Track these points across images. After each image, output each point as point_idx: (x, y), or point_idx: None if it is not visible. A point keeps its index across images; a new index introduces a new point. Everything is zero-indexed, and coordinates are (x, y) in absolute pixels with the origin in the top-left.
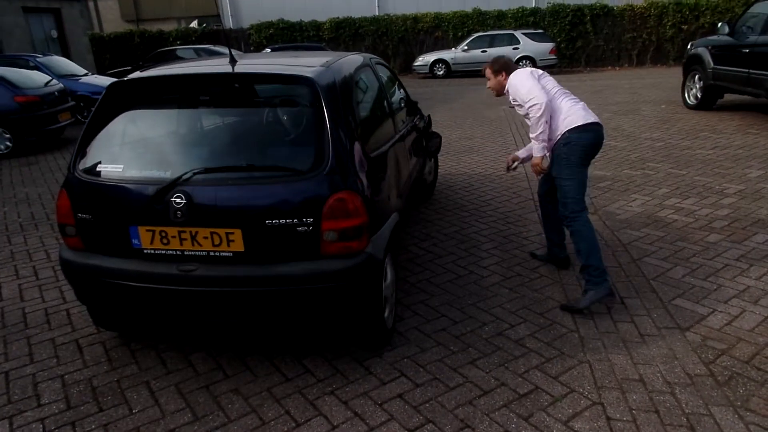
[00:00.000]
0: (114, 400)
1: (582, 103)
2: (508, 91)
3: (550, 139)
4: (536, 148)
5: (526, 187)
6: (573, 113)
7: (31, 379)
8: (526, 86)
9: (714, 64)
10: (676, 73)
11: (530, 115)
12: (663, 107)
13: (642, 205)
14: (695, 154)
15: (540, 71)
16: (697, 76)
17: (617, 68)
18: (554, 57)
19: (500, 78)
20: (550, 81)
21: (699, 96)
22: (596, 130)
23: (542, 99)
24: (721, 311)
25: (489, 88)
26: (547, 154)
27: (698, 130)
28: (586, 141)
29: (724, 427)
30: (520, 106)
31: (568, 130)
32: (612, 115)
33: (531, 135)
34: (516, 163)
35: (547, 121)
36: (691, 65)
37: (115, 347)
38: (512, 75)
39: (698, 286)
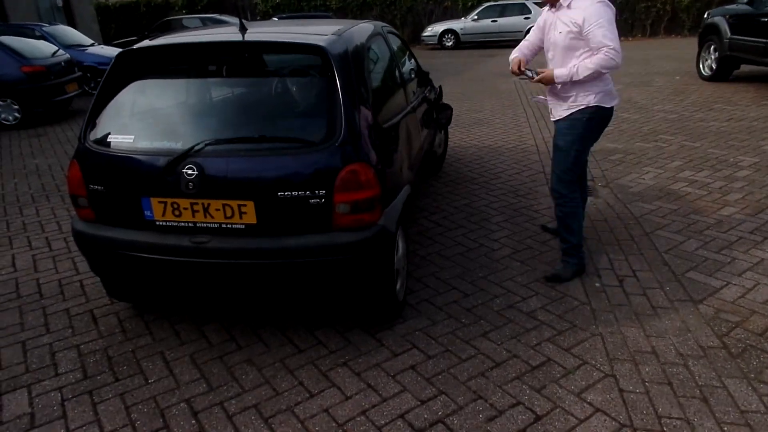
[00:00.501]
0: (129, 370)
1: None
2: (569, 3)
3: (567, 96)
4: (563, 75)
5: (536, 160)
6: (610, 89)
7: (48, 349)
8: (614, 32)
9: (731, 34)
10: (690, 43)
11: (599, 58)
12: (677, 78)
13: (654, 177)
14: (709, 126)
15: None
16: (712, 47)
17: (630, 38)
18: None
19: None
20: None
21: (714, 67)
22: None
23: (620, 56)
24: (734, 284)
25: None
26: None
27: (712, 102)
28: (606, 122)
29: (738, 398)
30: (577, 36)
31: (600, 106)
32: (624, 87)
33: (579, 73)
34: (524, 74)
35: (598, 77)
36: (707, 35)
37: (129, 318)
38: (602, 3)
39: (711, 259)
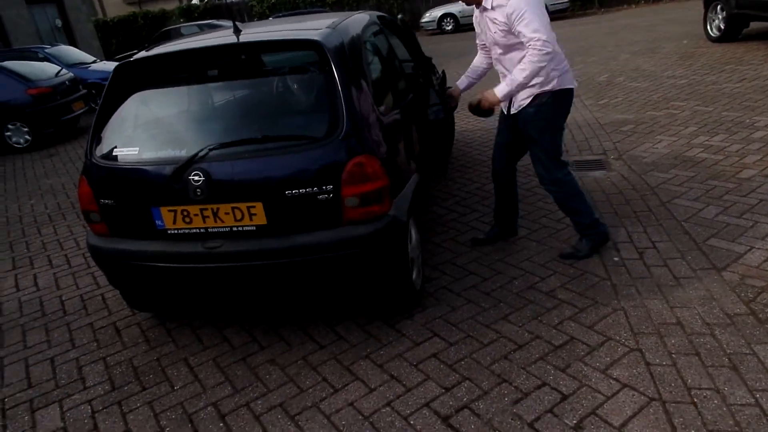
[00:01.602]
0: (155, 378)
1: None
2: (491, 4)
3: (527, 90)
4: (506, 90)
5: None
6: (567, 71)
7: (75, 363)
8: (538, 20)
9: None
10: (695, 5)
11: (530, 55)
12: (685, 43)
13: (669, 146)
14: (722, 88)
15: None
16: (719, 6)
17: (633, 5)
18: (565, 0)
19: None
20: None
21: (722, 27)
22: None
23: (552, 39)
24: (758, 248)
25: None
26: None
27: (723, 64)
28: (571, 102)
29: None
30: (507, 33)
31: (561, 90)
32: (630, 56)
33: (517, 78)
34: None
35: (543, 69)
36: None
37: (151, 327)
38: None
39: (733, 224)
